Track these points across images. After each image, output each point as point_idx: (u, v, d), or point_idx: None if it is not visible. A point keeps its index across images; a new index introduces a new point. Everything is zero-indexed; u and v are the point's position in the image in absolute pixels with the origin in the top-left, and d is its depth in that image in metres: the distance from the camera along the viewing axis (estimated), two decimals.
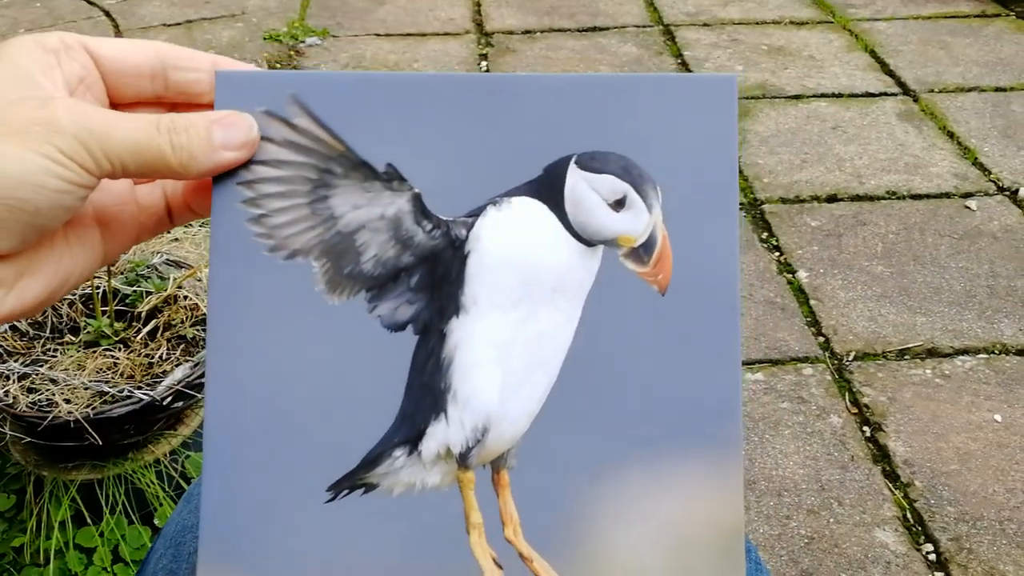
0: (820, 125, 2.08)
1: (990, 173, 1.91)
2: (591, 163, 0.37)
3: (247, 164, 0.37)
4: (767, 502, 1.24)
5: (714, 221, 0.38)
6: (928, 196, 1.84)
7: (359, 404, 0.37)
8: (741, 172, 1.92)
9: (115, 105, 0.39)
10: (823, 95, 2.20)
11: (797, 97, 2.19)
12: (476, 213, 0.37)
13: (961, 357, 1.47)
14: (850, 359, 1.47)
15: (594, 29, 2.54)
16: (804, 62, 2.35)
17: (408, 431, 0.37)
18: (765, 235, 1.74)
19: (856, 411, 1.38)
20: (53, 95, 0.35)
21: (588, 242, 0.38)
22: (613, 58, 2.38)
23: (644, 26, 2.55)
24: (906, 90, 2.21)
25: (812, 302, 1.58)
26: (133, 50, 0.38)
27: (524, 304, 0.37)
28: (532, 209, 0.38)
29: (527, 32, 2.51)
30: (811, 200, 1.84)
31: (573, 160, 0.38)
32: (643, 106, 0.38)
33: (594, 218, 0.37)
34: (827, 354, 1.47)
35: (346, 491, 0.37)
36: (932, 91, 2.21)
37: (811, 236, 1.74)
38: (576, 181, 0.37)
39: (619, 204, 0.37)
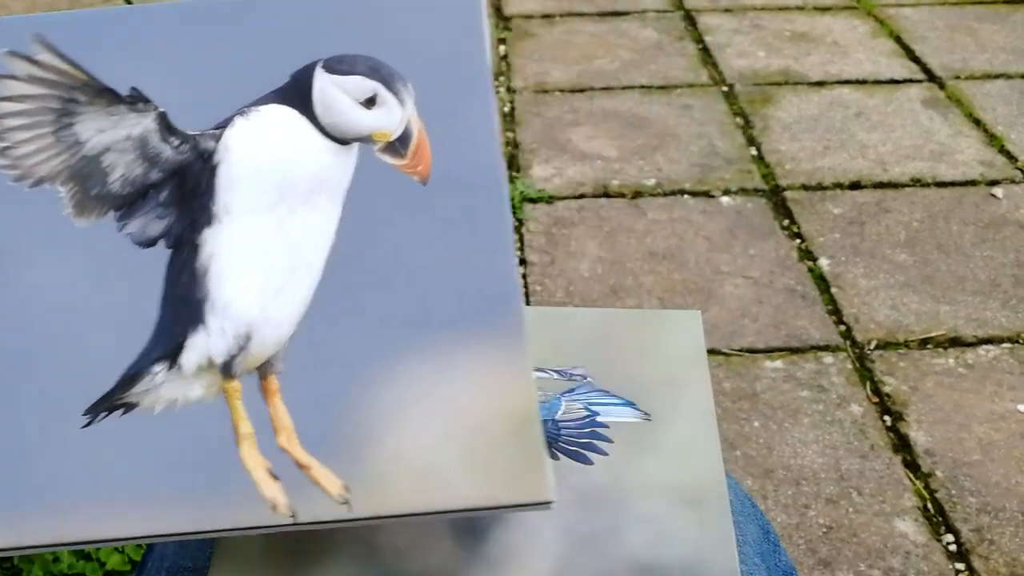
0: (843, 112, 2.05)
1: (1017, 161, 1.88)
2: (338, 66, 0.38)
3: None
4: (785, 491, 1.22)
5: (470, 112, 0.38)
6: (953, 184, 1.81)
7: (113, 324, 0.36)
8: (763, 158, 1.90)
9: None
10: (847, 81, 2.17)
11: (820, 83, 2.16)
12: (224, 125, 0.38)
13: (985, 347, 1.44)
14: (871, 348, 1.44)
15: (614, 13, 2.51)
16: (828, 48, 2.32)
17: (166, 345, 0.36)
18: (786, 222, 1.72)
19: (877, 400, 1.36)
20: None
21: (342, 141, 0.38)
22: (632, 43, 2.35)
23: (664, 11, 2.52)
24: (932, 77, 2.18)
25: (833, 290, 1.56)
26: None
27: (279, 208, 0.37)
28: (280, 114, 0.38)
29: (546, 16, 2.49)
30: (833, 187, 1.81)
31: (320, 64, 0.38)
32: (389, 13, 0.39)
33: (345, 118, 0.38)
34: (848, 343, 1.45)
35: (104, 413, 0.35)
36: (958, 78, 2.17)
37: (833, 223, 1.71)
38: (324, 84, 0.38)
39: (370, 102, 0.38)
